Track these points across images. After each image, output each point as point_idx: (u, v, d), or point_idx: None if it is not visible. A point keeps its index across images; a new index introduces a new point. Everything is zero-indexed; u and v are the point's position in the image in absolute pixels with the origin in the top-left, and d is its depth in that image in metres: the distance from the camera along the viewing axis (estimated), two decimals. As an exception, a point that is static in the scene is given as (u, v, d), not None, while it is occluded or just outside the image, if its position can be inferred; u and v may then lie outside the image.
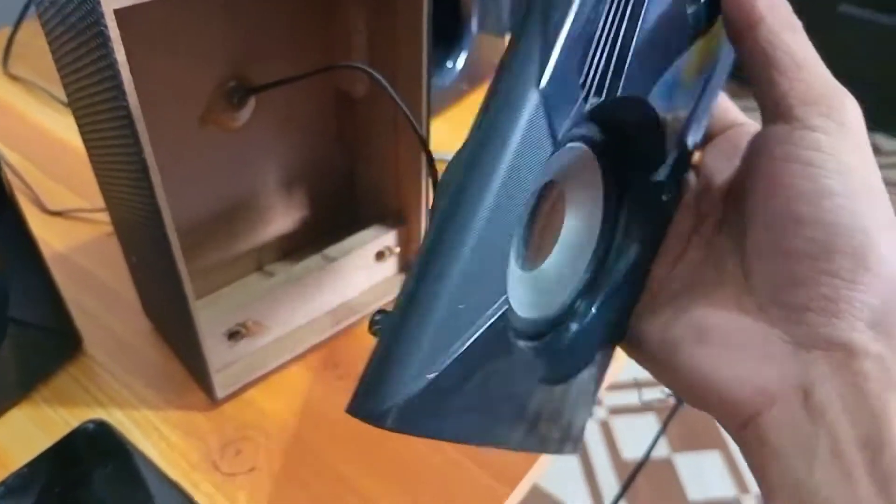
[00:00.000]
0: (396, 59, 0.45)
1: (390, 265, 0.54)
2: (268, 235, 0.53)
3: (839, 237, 0.19)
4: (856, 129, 0.21)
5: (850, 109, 0.21)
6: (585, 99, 0.20)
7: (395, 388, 0.19)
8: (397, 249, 0.53)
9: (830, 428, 0.18)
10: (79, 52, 0.34)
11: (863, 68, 2.07)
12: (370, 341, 0.54)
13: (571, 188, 0.27)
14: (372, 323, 0.22)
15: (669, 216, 0.27)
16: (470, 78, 0.76)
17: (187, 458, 0.44)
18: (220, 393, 0.46)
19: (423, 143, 0.40)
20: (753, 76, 0.22)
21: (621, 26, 0.21)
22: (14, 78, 0.79)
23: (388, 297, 0.53)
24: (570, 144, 0.24)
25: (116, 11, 0.29)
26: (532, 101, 0.19)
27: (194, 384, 0.48)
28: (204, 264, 0.50)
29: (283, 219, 0.53)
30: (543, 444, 0.28)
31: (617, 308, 0.27)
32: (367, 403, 0.19)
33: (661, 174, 0.26)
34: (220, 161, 0.47)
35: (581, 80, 0.20)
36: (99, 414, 0.46)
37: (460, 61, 0.73)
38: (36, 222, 0.43)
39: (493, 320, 0.20)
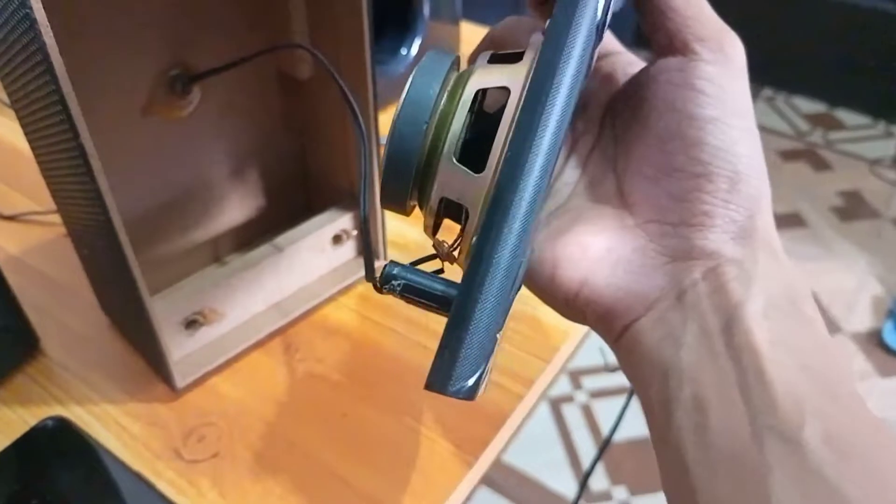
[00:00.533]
0: (338, 39, 0.45)
1: (348, 248, 0.54)
2: (223, 225, 0.53)
3: (720, 160, 0.22)
4: (739, 65, 0.23)
5: (737, 47, 0.23)
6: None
7: (475, 364, 0.19)
8: (354, 232, 0.53)
9: (698, 319, 0.21)
10: (9, 41, 0.34)
11: (828, 47, 2.10)
12: (331, 325, 0.54)
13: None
14: (387, 279, 0.21)
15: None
16: (425, 64, 0.76)
17: (149, 447, 0.44)
18: (179, 382, 0.45)
19: (360, 126, 0.40)
20: (647, 12, 0.24)
21: None
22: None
23: (347, 280, 0.53)
24: None
25: (41, -6, 0.29)
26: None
27: (155, 376, 0.48)
28: (158, 257, 0.49)
29: (237, 207, 0.53)
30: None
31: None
32: (457, 382, 0.19)
33: None
34: (167, 150, 0.47)
35: None
36: (59, 411, 0.46)
37: (414, 48, 0.74)
38: None
39: (522, 272, 0.21)
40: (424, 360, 0.49)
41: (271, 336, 0.50)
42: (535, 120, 0.19)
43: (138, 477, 0.41)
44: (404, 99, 0.21)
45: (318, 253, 0.52)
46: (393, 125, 0.21)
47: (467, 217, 0.21)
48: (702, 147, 0.22)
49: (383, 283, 0.21)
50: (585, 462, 1.31)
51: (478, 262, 0.19)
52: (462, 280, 0.19)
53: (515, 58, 0.22)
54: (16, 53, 0.34)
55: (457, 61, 0.23)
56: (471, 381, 0.19)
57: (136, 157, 0.45)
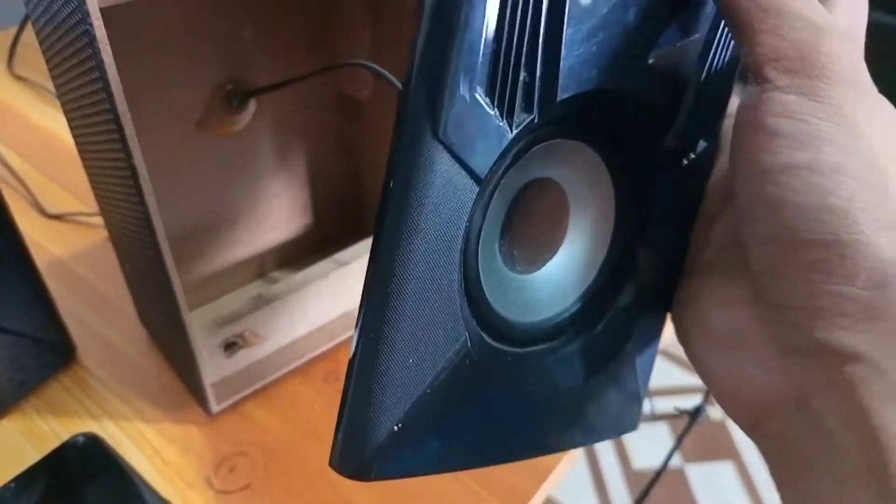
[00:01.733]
0: (402, 58, 0.43)
1: (395, 275, 0.52)
2: (270, 242, 0.51)
3: (808, 221, 0.16)
4: (840, 80, 0.16)
5: (834, 58, 0.16)
6: (511, 124, 0.19)
7: (363, 446, 0.20)
8: (402, 258, 0.51)
9: (834, 445, 0.16)
10: (66, 53, 0.33)
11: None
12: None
13: (572, 186, 0.25)
14: None
15: (703, 182, 0.24)
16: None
17: (181, 474, 0.42)
18: (215, 407, 0.44)
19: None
20: (728, 27, 0.19)
21: (524, 36, 0.18)
22: (19, 78, 0.78)
23: (391, 308, 0.51)
24: (549, 142, 0.22)
25: (103, 10, 0.28)
26: (434, 152, 0.18)
27: (190, 396, 0.46)
28: (203, 272, 0.48)
29: (285, 225, 0.51)
30: (591, 434, 0.27)
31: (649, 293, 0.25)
32: (345, 463, 0.21)
33: (671, 138, 0.23)
34: (218, 167, 0.45)
35: (495, 110, 0.18)
36: (91, 426, 0.45)
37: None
38: (34, 226, 0.41)
39: (456, 361, 0.21)
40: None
41: (311, 362, 0.48)
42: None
43: (167, 505, 0.40)
44: None
45: (361, 279, 0.50)
46: None
47: None
48: (781, 207, 0.16)
49: None
50: (611, 488, 1.28)
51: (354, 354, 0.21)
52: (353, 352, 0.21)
53: None
54: (73, 65, 0.33)
55: None
56: (359, 462, 0.20)
57: (188, 172, 0.44)
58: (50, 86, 0.77)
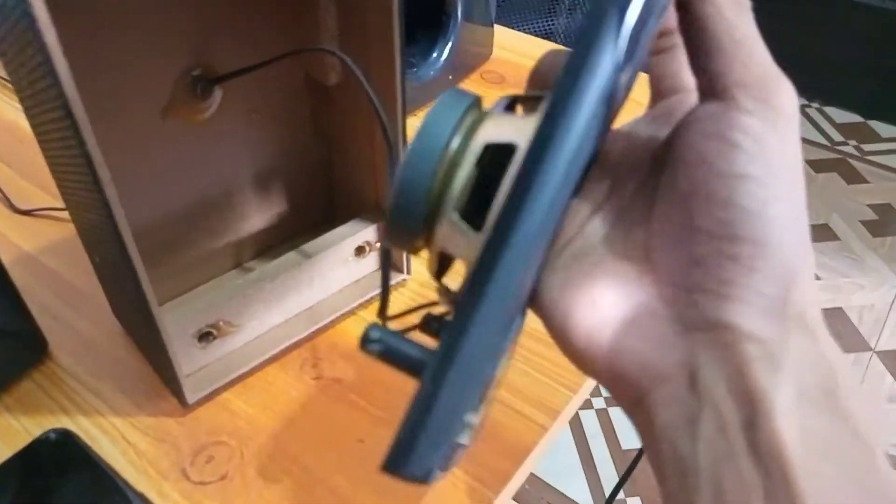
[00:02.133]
0: (368, 45, 0.43)
1: (370, 261, 0.52)
2: (243, 232, 0.50)
3: (746, 222, 0.19)
4: (788, 117, 0.20)
5: (785, 96, 0.20)
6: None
7: (435, 450, 0.18)
8: (377, 244, 0.51)
9: (715, 407, 0.18)
10: (13, 36, 0.32)
11: (864, 55, 2.05)
12: (350, 341, 0.52)
13: None
14: (367, 340, 0.20)
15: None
16: (455, 68, 0.73)
17: (156, 466, 0.42)
18: (190, 398, 0.43)
19: (387, 135, 0.38)
20: (690, 46, 0.21)
21: None
22: (-13, 74, 0.77)
23: (368, 294, 0.51)
24: None
25: (48, -9, 0.27)
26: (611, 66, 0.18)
27: (166, 389, 0.46)
28: (176, 263, 0.47)
29: (257, 214, 0.51)
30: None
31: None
32: (410, 467, 0.18)
33: None
34: (187, 155, 0.44)
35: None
36: (64, 422, 0.44)
37: (446, 51, 0.71)
38: (4, 222, 0.40)
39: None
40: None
41: (287, 350, 0.48)
42: (525, 204, 0.18)
43: (142, 498, 0.40)
44: (414, 142, 0.20)
45: (340, 264, 0.49)
46: (401, 167, 0.20)
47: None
48: (728, 207, 0.19)
49: (363, 343, 0.20)
50: (601, 468, 1.29)
51: (448, 347, 0.18)
52: (432, 362, 0.18)
53: (534, 103, 0.20)
54: (21, 48, 0.32)
55: (476, 102, 0.22)
56: (429, 466, 0.18)
57: (155, 160, 0.43)
58: (18, 80, 0.75)
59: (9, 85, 0.75)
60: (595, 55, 0.18)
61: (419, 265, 0.55)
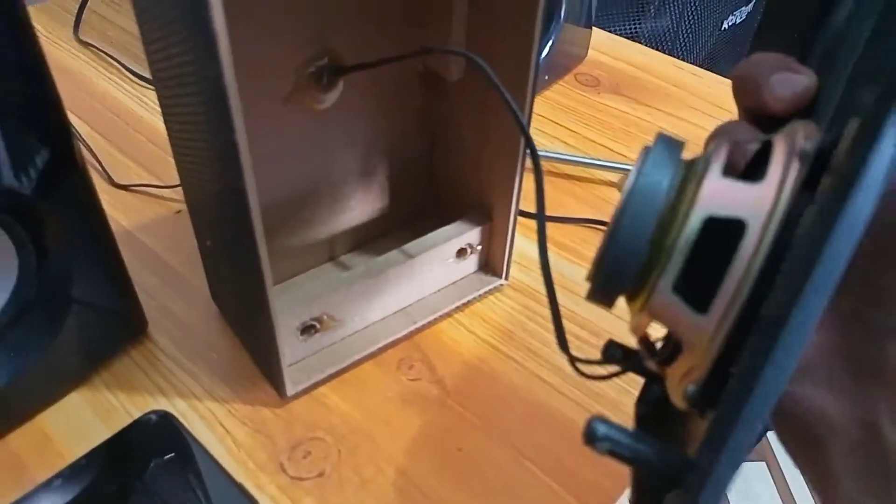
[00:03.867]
0: (497, 42, 0.41)
1: (471, 263, 0.50)
2: (344, 223, 0.50)
3: None
4: None
5: None
6: None
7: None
8: (479, 247, 0.50)
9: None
10: (170, 17, 0.31)
11: None
12: (446, 343, 0.51)
13: None
14: (593, 438, 0.18)
15: None
16: (552, 68, 0.72)
17: (253, 457, 0.41)
18: (290, 389, 0.43)
19: (526, 134, 0.36)
20: None
21: None
22: (85, 44, 0.78)
23: (467, 297, 0.50)
24: None
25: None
26: None
27: (261, 377, 0.45)
28: (277, 250, 0.47)
29: (361, 206, 0.50)
30: None
31: None
32: None
33: None
34: (301, 143, 0.44)
35: None
36: (161, 403, 0.44)
37: (545, 51, 0.69)
38: (102, 196, 0.40)
39: None
40: (543, 393, 0.45)
41: (384, 349, 0.47)
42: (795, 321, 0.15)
43: (242, 490, 0.39)
44: (628, 202, 0.18)
45: (441, 265, 0.48)
46: (613, 228, 0.19)
47: (678, 347, 0.19)
48: None
49: (587, 440, 0.19)
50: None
51: (709, 466, 0.16)
52: (693, 471, 0.17)
53: (760, 161, 0.18)
54: (176, 30, 0.32)
55: (682, 148, 0.20)
56: None
57: (273, 146, 0.42)
58: (116, 54, 0.76)
59: (105, 57, 0.76)
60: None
61: (517, 271, 0.53)
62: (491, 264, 0.51)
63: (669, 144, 0.19)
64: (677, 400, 0.19)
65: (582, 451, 0.42)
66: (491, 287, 0.51)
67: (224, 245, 0.41)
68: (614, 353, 0.25)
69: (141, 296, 0.47)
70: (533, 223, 0.57)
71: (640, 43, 0.82)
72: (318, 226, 0.48)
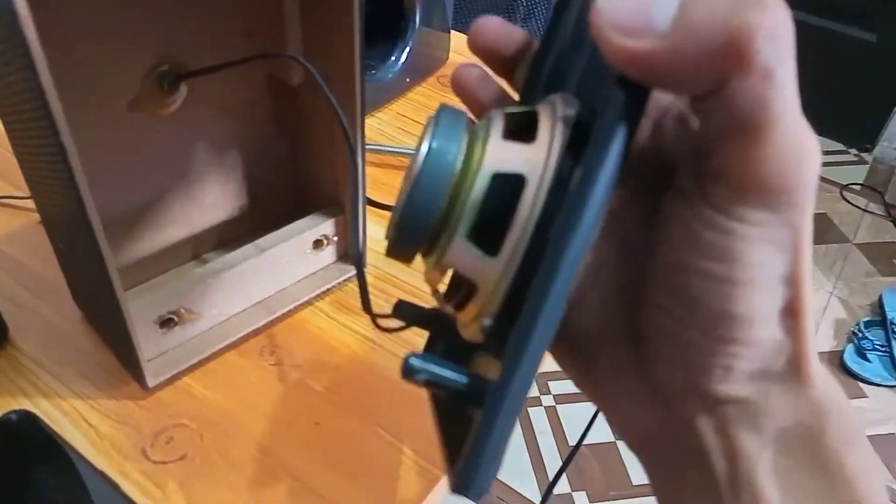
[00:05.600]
0: (330, 48, 0.45)
1: (328, 253, 0.54)
2: (205, 223, 0.52)
3: (731, 324, 0.18)
4: (797, 221, 0.17)
5: (804, 196, 0.17)
6: None
7: (492, 473, 0.20)
8: (335, 238, 0.53)
9: (702, 460, 0.19)
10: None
11: (806, 72, 2.14)
12: (307, 329, 0.54)
13: None
14: (410, 371, 0.21)
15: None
16: (413, 71, 0.76)
17: (117, 447, 0.43)
18: (151, 381, 0.45)
19: (347, 135, 0.40)
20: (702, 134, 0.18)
21: None
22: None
23: (326, 285, 0.53)
24: None
25: (31, -10, 0.29)
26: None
27: (127, 374, 0.47)
28: (137, 252, 0.49)
29: (220, 207, 0.53)
30: None
31: None
32: (474, 489, 0.19)
33: None
34: (153, 148, 0.46)
35: None
36: (25, 405, 0.45)
37: (404, 55, 0.74)
38: None
39: None
40: (397, 369, 0.49)
41: (247, 338, 0.50)
42: (569, 241, 0.19)
43: (103, 476, 0.41)
44: (424, 165, 0.21)
45: (298, 256, 0.52)
46: (411, 188, 0.21)
47: (472, 290, 0.22)
48: (699, 308, 0.18)
49: (405, 375, 0.21)
50: (550, 465, 1.33)
51: (508, 376, 0.19)
52: (496, 385, 0.19)
53: (529, 127, 0.21)
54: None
55: (469, 121, 0.23)
56: (489, 485, 0.20)
57: (120, 152, 0.44)
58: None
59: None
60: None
61: (374, 258, 0.57)
62: (349, 254, 0.55)
63: (454, 113, 0.22)
64: (475, 335, 0.22)
65: (425, 414, 0.46)
66: (349, 275, 0.54)
67: (74, 249, 0.43)
68: (403, 310, 0.29)
69: (4, 303, 0.49)
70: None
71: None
72: (179, 226, 0.51)
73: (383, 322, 0.31)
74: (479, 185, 0.21)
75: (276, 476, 0.43)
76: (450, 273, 0.23)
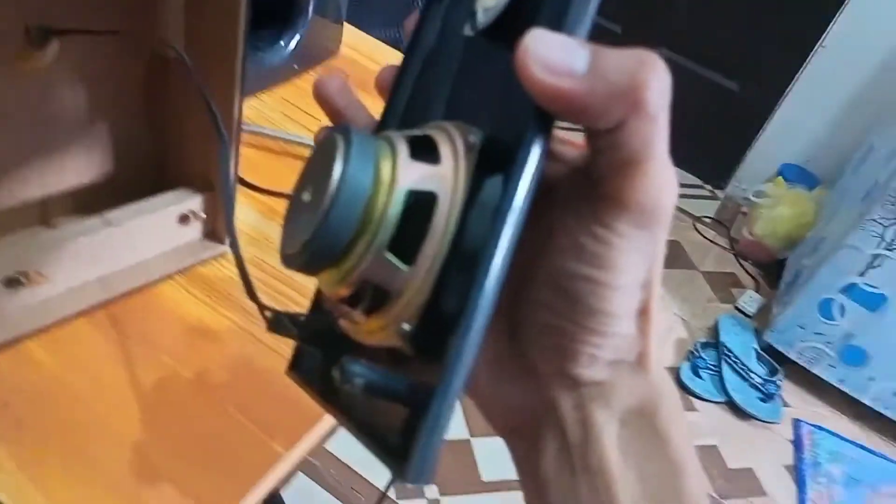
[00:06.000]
0: (214, 25, 0.45)
1: (194, 229, 0.54)
2: (62, 186, 0.51)
3: (594, 318, 0.22)
4: (666, 225, 0.22)
5: (665, 220, 0.22)
6: None
7: (436, 457, 0.22)
8: (203, 215, 0.53)
9: (560, 431, 0.23)
10: None
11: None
12: (165, 303, 0.54)
13: None
14: (350, 376, 0.22)
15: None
16: (301, 59, 0.77)
17: (-57, 408, 0.42)
18: (-11, 343, 0.44)
19: (214, 113, 0.41)
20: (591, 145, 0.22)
21: None
22: None
23: (188, 262, 0.53)
24: None
25: None
26: None
27: (-39, 333, 0.45)
28: (-15, 208, 0.47)
29: (81, 173, 0.51)
30: None
31: None
32: (423, 475, 0.22)
33: None
34: (12, 102, 0.44)
35: None
36: None
37: (293, 42, 0.74)
38: None
39: None
40: (254, 351, 0.50)
41: (100, 307, 0.49)
42: (496, 254, 0.21)
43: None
44: (341, 186, 0.22)
45: (162, 230, 0.51)
46: (329, 210, 0.22)
47: (384, 297, 0.23)
48: (577, 305, 0.22)
49: (344, 381, 0.22)
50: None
51: (449, 376, 0.21)
52: (442, 387, 0.21)
53: (428, 148, 0.24)
54: None
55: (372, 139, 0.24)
56: (433, 471, 0.22)
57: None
58: None
59: None
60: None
61: (244, 241, 0.57)
62: (215, 232, 0.55)
63: (363, 135, 0.23)
64: (386, 339, 0.23)
65: (280, 400, 0.47)
66: (214, 253, 0.55)
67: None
68: (283, 322, 0.28)
69: None
70: (264, 198, 0.62)
71: (400, 49, 0.90)
72: (32, 186, 0.49)
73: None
74: (396, 201, 0.22)
75: (116, 452, 0.43)
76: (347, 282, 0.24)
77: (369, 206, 0.22)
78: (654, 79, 0.20)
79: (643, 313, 0.23)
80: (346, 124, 0.23)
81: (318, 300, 0.28)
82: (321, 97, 0.28)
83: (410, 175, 0.23)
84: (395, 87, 0.28)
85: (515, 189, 0.22)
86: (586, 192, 0.22)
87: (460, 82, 0.27)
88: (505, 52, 0.23)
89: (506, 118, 0.24)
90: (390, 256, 0.22)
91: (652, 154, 0.20)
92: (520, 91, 0.22)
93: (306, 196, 0.23)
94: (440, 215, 0.22)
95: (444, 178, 0.23)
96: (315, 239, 0.22)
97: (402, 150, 0.23)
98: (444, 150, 0.23)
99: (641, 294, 0.22)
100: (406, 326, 0.23)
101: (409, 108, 0.28)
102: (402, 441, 0.22)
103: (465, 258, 0.22)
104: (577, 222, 0.22)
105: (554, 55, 0.20)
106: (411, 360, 0.24)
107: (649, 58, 0.20)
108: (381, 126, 0.27)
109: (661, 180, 0.21)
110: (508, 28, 0.24)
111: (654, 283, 0.23)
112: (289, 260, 0.23)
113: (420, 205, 0.22)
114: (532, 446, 0.24)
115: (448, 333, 0.22)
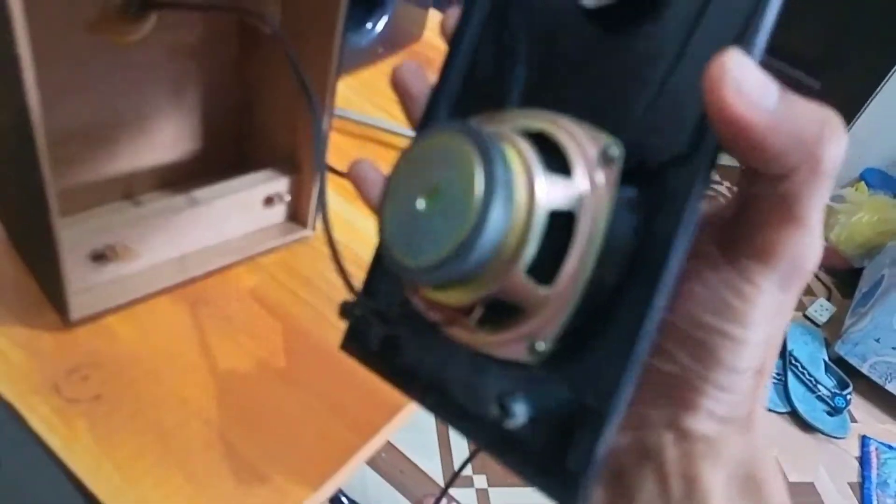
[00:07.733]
0: (309, 4, 0.44)
1: (278, 212, 0.53)
2: (152, 161, 0.50)
3: (720, 373, 0.22)
4: (795, 299, 0.22)
5: (804, 280, 0.21)
6: None
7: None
8: (288, 197, 0.52)
9: (661, 478, 0.22)
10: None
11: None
12: (245, 286, 0.53)
13: None
14: (512, 414, 0.22)
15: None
16: (387, 42, 0.75)
17: (27, 378, 0.41)
18: (75, 314, 0.43)
19: (309, 94, 0.39)
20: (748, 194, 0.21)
21: None
22: None
23: (270, 244, 0.52)
24: None
25: None
26: None
27: (48, 304, 0.45)
28: (78, 180, 0.47)
29: (171, 147, 0.50)
30: None
31: None
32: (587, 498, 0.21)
33: None
34: (107, 75, 0.44)
35: None
36: (-69, 322, 0.43)
37: (380, 24, 0.72)
38: None
39: None
40: (333, 337, 0.49)
41: (181, 285, 0.48)
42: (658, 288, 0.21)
43: (10, 408, 0.39)
44: (487, 206, 0.20)
45: (247, 210, 0.50)
46: (473, 230, 0.20)
47: (511, 312, 0.22)
48: (707, 359, 0.22)
49: (504, 416, 0.21)
50: (455, 446, 1.35)
51: (613, 405, 0.21)
52: (605, 412, 0.21)
53: (553, 151, 0.22)
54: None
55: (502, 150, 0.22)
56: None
57: (74, 73, 0.42)
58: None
59: None
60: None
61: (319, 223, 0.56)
62: (299, 216, 0.54)
63: (496, 145, 0.21)
64: (513, 354, 0.22)
65: (357, 389, 0.46)
66: (297, 237, 0.53)
67: (10, 165, 0.41)
68: (349, 309, 0.27)
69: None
70: (347, 183, 0.60)
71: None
72: (123, 160, 0.49)
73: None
74: (537, 223, 0.20)
75: (192, 428, 0.42)
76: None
77: (511, 226, 0.20)
78: (836, 138, 0.19)
79: (760, 371, 0.22)
80: (471, 125, 0.21)
81: (371, 284, 0.28)
82: (398, 83, 0.27)
83: (551, 194, 0.21)
84: (456, 38, 0.25)
85: (685, 223, 0.20)
86: (726, 243, 0.22)
87: (557, 60, 0.24)
88: (635, 44, 0.22)
89: (638, 127, 0.22)
90: (529, 278, 0.21)
91: (812, 214, 0.20)
92: (667, 102, 0.20)
93: (421, 204, 0.21)
94: (581, 234, 0.21)
95: (584, 195, 0.21)
96: (453, 259, 0.20)
97: (532, 158, 0.21)
98: (575, 158, 0.21)
99: (762, 352, 0.22)
100: (542, 346, 0.21)
101: (479, 66, 0.25)
102: (551, 460, 0.22)
103: (613, 281, 0.21)
104: (715, 274, 0.21)
105: (751, 83, 0.19)
106: (524, 367, 0.23)
107: (835, 116, 0.19)
108: (442, 81, 0.26)
109: (812, 241, 0.21)
110: (637, 15, 0.22)
111: (776, 342, 0.22)
112: (412, 273, 0.21)
113: (558, 223, 0.21)
114: (622, 493, 0.23)
115: (587, 354, 0.21)
